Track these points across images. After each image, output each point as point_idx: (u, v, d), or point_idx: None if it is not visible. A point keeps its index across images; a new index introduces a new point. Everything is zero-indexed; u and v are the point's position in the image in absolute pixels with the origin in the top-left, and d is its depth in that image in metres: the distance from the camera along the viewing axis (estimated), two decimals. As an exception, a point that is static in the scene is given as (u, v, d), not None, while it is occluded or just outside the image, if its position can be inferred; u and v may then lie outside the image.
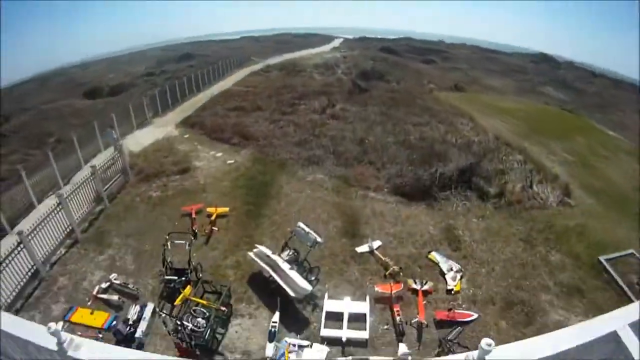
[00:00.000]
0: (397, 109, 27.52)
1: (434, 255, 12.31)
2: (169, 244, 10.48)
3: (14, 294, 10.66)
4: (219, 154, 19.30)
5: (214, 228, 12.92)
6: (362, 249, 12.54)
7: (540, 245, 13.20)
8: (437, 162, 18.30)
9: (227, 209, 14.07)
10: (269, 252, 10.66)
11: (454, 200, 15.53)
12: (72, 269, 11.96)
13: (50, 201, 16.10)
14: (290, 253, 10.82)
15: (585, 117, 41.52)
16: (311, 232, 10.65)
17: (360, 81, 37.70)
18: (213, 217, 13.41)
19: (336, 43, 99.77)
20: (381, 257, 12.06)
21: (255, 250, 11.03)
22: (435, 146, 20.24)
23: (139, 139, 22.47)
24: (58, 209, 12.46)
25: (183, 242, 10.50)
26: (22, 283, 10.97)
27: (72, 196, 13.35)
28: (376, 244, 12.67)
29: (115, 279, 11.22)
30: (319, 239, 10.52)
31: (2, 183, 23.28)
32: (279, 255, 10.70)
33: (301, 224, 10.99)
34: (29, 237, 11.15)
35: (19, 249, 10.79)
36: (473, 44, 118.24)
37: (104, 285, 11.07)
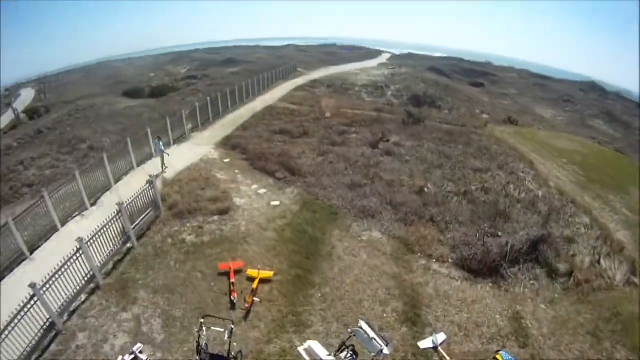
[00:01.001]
0: (454, 147, 25.24)
1: (502, 357, 10.32)
2: (204, 329, 8.75)
3: (28, 349, 9.33)
4: (263, 191, 17.39)
5: (255, 299, 11.11)
6: (425, 344, 10.47)
7: (606, 339, 11.18)
8: (503, 222, 16.30)
9: (271, 273, 12.10)
10: (322, 352, 8.75)
11: (521, 279, 13.42)
12: (93, 325, 10.41)
13: (74, 226, 15.00)
14: (348, 356, 8.90)
15: (635, 160, 38.39)
16: (377, 337, 8.55)
17: (412, 107, 35.82)
18: (255, 284, 11.49)
19: (383, 58, 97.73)
20: (446, 356, 10.06)
21: (305, 346, 9.11)
22: (500, 202, 18.09)
23: (175, 159, 21.00)
24: (78, 255, 11.03)
25: (221, 330, 8.74)
26: (37, 338, 9.62)
27: (95, 237, 11.87)
28: (440, 337, 10.58)
29: (140, 352, 9.54)
30: (386, 350, 8.43)
31: (29, 190, 22.49)
32: (335, 355, 8.81)
33: (364, 325, 8.88)
34: (43, 290, 9.72)
35: (32, 302, 9.38)
36: (521, 67, 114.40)
37: (127, 359, 9.51)
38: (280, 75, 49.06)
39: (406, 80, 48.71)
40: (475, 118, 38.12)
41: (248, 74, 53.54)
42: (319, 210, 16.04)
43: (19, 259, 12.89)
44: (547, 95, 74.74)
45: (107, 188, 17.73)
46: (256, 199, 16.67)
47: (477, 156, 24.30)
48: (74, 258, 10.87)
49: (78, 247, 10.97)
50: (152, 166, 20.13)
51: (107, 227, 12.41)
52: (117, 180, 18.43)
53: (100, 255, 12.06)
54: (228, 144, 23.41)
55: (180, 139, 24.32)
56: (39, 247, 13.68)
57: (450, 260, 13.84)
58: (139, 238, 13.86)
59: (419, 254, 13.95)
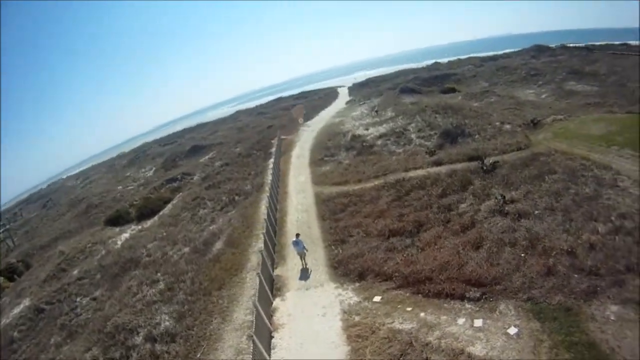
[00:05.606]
0: (549, 180, 21.76)
1: None
2: None
3: None
4: (478, 323, 13.05)
5: None
6: None
7: None
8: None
9: None
10: None
11: None
12: None
13: None
14: None
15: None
16: None
17: (450, 145, 33.31)
18: None
19: (344, 95, 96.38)
20: None
21: None
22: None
23: (309, 330, 15.44)
24: None
25: None
26: None
27: None
28: None
29: None
30: None
31: None
32: None
33: None
34: None
35: None
36: (465, 56, 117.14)
37: None
38: (278, 150, 45.48)
39: (411, 115, 45.18)
40: (508, 134, 35.41)
41: (237, 160, 49.02)
42: (558, 317, 12.61)
43: None
44: (515, 76, 71.54)
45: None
46: (486, 338, 12.49)
47: (574, 180, 21.21)
48: None
49: None
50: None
51: None
52: None
53: None
54: (344, 272, 18.43)
55: (276, 289, 18.99)
56: None
57: None
58: None
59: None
